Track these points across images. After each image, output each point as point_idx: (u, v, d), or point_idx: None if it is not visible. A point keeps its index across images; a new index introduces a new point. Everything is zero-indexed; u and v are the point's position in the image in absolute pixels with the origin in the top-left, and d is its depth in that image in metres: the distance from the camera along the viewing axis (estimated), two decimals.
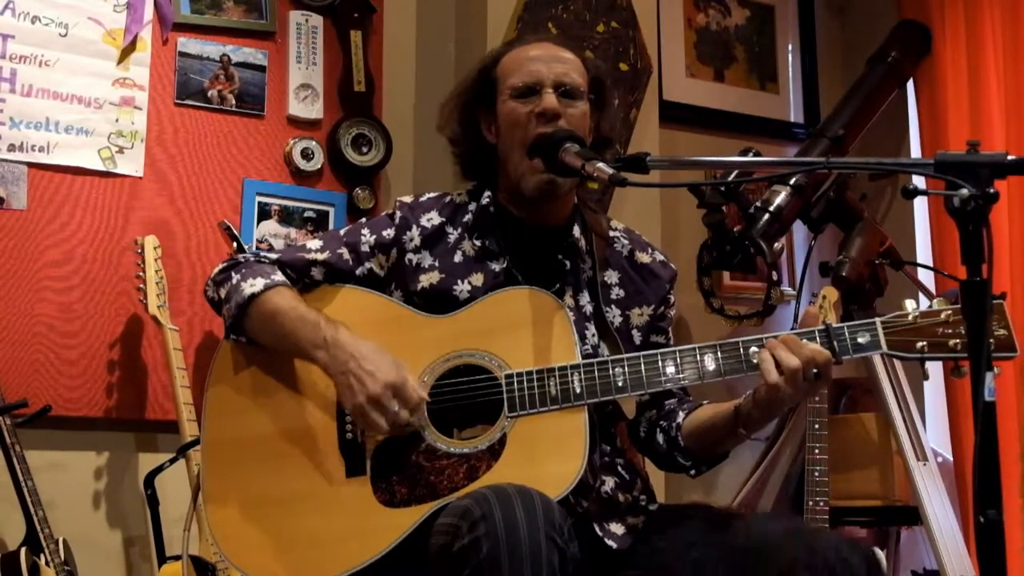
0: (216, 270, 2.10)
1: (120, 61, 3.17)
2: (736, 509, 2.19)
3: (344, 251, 2.09)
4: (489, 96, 2.11)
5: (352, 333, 1.93)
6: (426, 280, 2.06)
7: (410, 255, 2.08)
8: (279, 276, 2.04)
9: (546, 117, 2.01)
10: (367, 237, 2.10)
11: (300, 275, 2.08)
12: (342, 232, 2.14)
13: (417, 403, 1.87)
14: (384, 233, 2.10)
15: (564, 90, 2.04)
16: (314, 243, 2.12)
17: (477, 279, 2.05)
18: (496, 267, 2.06)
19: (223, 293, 2.05)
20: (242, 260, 2.08)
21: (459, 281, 2.05)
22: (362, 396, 1.85)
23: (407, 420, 1.87)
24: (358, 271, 2.08)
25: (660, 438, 2.11)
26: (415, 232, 2.09)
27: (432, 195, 2.17)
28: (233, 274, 2.05)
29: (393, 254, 2.09)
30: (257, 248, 3.27)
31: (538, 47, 2.11)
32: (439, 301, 2.04)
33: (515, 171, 2.05)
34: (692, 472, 2.12)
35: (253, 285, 2.00)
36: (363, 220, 2.18)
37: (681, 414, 2.10)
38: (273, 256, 2.10)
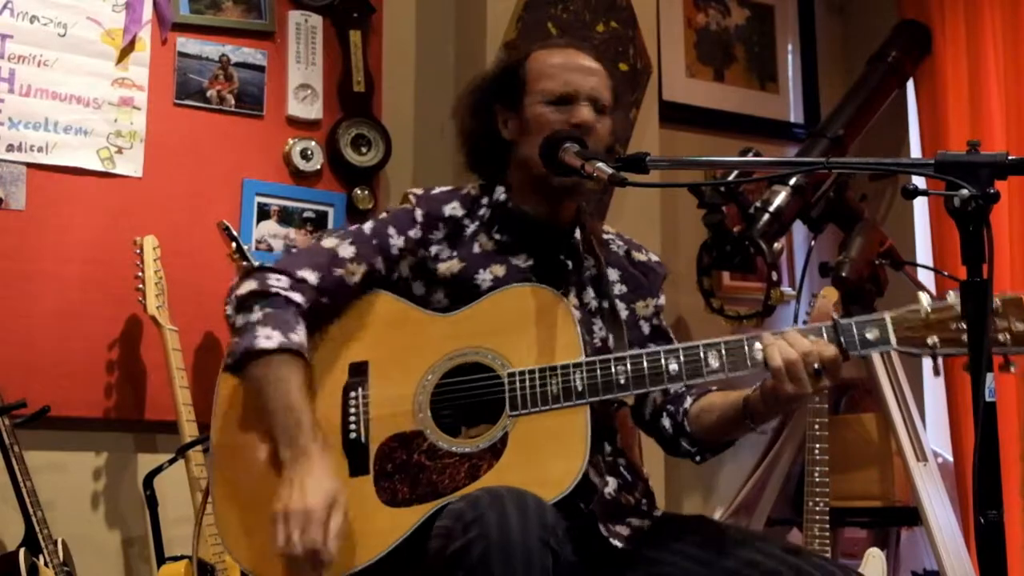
0: (244, 289, 1.96)
1: (119, 61, 3.17)
2: (737, 527, 2.17)
3: (378, 259, 2.02)
4: (512, 93, 2.09)
5: (320, 457, 1.87)
6: (446, 269, 2.03)
7: (434, 246, 2.05)
8: (298, 336, 1.92)
9: (581, 129, 2.01)
10: (395, 239, 2.04)
11: (335, 298, 2.00)
12: (368, 231, 2.05)
13: (309, 547, 1.78)
14: (411, 233, 2.05)
15: (597, 105, 2.05)
16: (346, 250, 2.01)
17: (499, 270, 2.04)
18: (519, 263, 2.05)
19: (240, 322, 1.95)
20: (272, 291, 1.94)
21: (480, 270, 2.03)
22: (280, 507, 1.80)
23: (300, 551, 1.79)
24: (392, 277, 2.04)
25: (666, 422, 2.11)
26: (441, 228, 2.06)
27: (445, 189, 2.14)
28: (256, 308, 1.94)
29: (420, 253, 2.05)
30: (257, 249, 3.26)
31: (571, 54, 2.10)
32: (461, 290, 2.01)
33: (539, 167, 2.01)
34: (697, 459, 2.12)
35: (268, 341, 1.90)
36: (384, 217, 2.09)
37: (688, 400, 2.10)
38: (311, 278, 1.97)
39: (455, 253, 2.05)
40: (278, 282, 1.96)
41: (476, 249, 2.06)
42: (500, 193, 2.10)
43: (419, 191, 2.12)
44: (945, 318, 1.83)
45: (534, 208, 2.10)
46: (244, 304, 1.95)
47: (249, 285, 1.96)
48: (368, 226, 2.07)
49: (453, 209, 2.08)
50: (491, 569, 1.64)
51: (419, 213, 2.07)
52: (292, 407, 1.88)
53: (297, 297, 1.95)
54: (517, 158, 2.09)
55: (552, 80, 2.06)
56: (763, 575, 1.85)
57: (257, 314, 1.92)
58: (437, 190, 2.13)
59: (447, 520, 1.73)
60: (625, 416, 2.18)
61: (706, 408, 2.07)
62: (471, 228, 2.08)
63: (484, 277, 2.03)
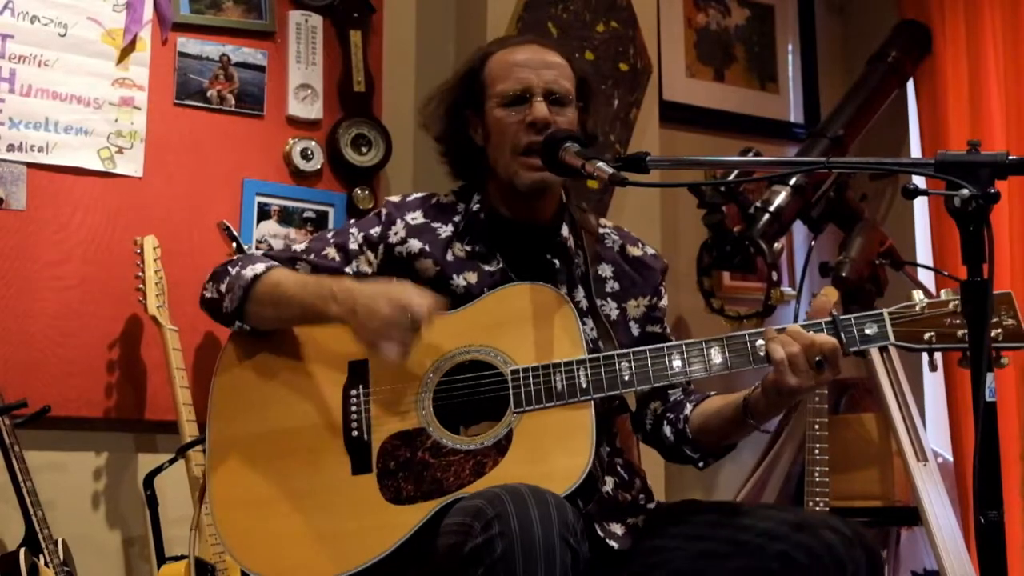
0: (210, 274, 2.12)
1: (119, 61, 3.17)
2: (729, 502, 2.19)
3: (331, 251, 2.11)
4: (476, 97, 2.12)
5: (354, 280, 1.99)
6: (422, 269, 2.07)
7: (398, 248, 2.09)
8: (276, 262, 2.09)
9: (537, 127, 2.02)
10: (356, 235, 2.12)
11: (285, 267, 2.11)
12: (330, 234, 2.16)
13: (428, 310, 1.88)
14: (372, 231, 2.12)
15: (554, 98, 2.05)
16: (301, 245, 2.16)
17: (472, 277, 2.06)
18: (490, 268, 2.07)
19: (223, 287, 2.06)
20: (236, 258, 2.11)
21: (454, 276, 2.06)
22: (376, 322, 1.87)
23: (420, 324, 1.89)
24: (347, 269, 2.09)
25: (667, 430, 2.11)
26: (400, 226, 2.11)
27: (419, 195, 2.19)
28: (230, 268, 2.07)
29: (381, 250, 2.10)
30: (257, 249, 3.27)
31: (526, 50, 2.11)
32: (439, 292, 2.04)
33: (506, 171, 2.07)
34: (700, 464, 2.13)
35: (255, 269, 2.04)
36: (352, 220, 2.20)
37: (688, 406, 2.10)
38: (259, 254, 2.14)
39: (426, 247, 2.08)
40: (236, 258, 2.12)
41: (449, 256, 2.08)
42: (475, 203, 2.13)
43: (395, 198, 2.18)
44: (940, 314, 1.88)
45: (513, 211, 2.11)
46: (215, 276, 2.09)
47: (213, 270, 2.11)
48: (335, 228, 2.18)
49: (418, 216, 2.13)
50: (513, 566, 1.64)
51: (383, 213, 2.14)
52: (306, 281, 2.01)
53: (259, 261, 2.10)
54: (490, 161, 2.11)
55: (505, 81, 2.08)
56: (761, 535, 1.87)
57: (232, 270, 2.06)
58: (411, 197, 2.18)
59: (463, 517, 1.74)
60: (625, 420, 2.18)
61: (707, 412, 2.07)
62: (443, 233, 2.11)
63: (458, 283, 2.05)
